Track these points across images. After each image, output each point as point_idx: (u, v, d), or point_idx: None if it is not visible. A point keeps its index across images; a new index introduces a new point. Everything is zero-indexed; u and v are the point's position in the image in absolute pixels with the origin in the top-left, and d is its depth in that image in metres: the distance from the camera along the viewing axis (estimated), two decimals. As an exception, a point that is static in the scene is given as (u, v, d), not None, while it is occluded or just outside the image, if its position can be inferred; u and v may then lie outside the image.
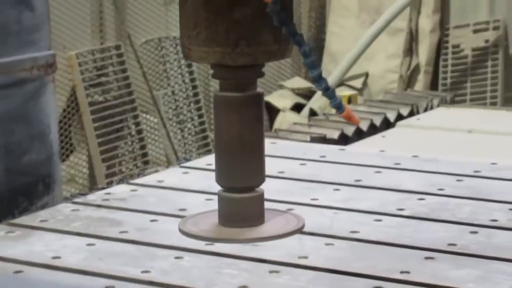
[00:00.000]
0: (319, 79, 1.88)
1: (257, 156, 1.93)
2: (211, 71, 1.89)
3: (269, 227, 2.07)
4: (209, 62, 1.88)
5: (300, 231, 2.27)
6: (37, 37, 3.04)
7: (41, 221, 2.84)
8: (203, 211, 2.54)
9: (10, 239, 2.69)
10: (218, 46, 1.82)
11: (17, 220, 2.87)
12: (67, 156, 8.00)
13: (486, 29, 8.07)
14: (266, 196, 2.74)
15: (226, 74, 1.88)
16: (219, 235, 2.01)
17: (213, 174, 2.61)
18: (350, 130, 4.12)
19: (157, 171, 3.48)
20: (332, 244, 2.56)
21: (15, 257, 2.51)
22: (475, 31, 8.07)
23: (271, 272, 2.30)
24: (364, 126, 4.28)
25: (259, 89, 1.92)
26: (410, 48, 8.23)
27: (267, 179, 3.03)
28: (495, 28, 8.02)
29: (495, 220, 2.75)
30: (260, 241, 2.11)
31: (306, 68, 1.84)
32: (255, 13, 1.76)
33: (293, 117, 8.04)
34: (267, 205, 2.71)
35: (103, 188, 3.30)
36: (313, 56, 1.81)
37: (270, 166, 3.30)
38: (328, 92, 1.88)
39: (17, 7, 2.94)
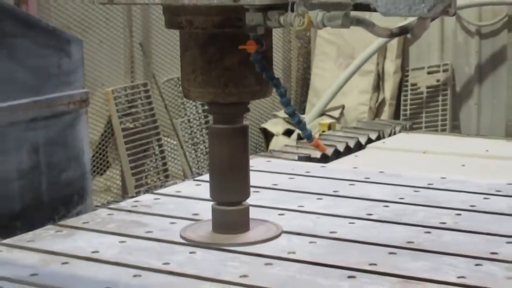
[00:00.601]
0: (293, 115, 1.87)
1: (243, 176, 1.92)
2: (207, 108, 1.90)
3: (252, 234, 2.05)
4: (204, 101, 1.88)
5: (278, 237, 2.26)
6: (73, 78, 3.03)
7: (83, 223, 2.83)
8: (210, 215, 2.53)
9: (58, 237, 2.69)
10: (211, 88, 1.81)
11: (64, 222, 2.86)
12: (104, 171, 7.96)
13: (437, 71, 8.06)
14: (263, 203, 2.90)
15: (218, 110, 1.88)
16: (212, 240, 1.99)
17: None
18: (329, 151, 4.09)
19: (175, 183, 3.45)
20: (315, 242, 2.55)
21: (62, 251, 2.51)
22: (429, 73, 8.07)
23: (266, 264, 2.29)
24: (341, 147, 4.26)
25: (245, 122, 1.91)
26: (378, 86, 8.22)
27: (263, 189, 3.13)
28: (445, 71, 8.03)
29: (444, 223, 2.74)
30: (245, 245, 2.10)
31: (283, 106, 1.82)
32: (241, 61, 1.75)
33: (284, 140, 8.03)
34: (264, 210, 2.83)
35: (132, 197, 3.28)
36: (287, 96, 1.81)
37: (266, 179, 3.38)
38: (301, 125, 1.87)
39: (58, 54, 2.93)
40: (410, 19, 1.78)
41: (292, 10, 1.64)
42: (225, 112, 1.89)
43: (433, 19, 1.65)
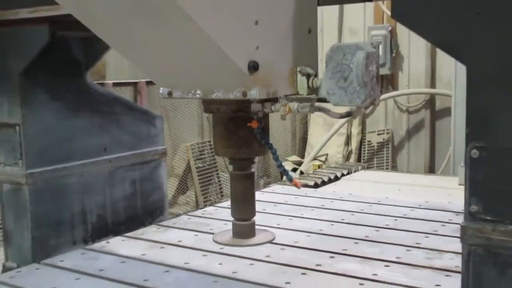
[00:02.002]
0: (280, 166, 1.85)
1: (251, 203, 1.88)
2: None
3: (256, 239, 2.00)
4: (227, 156, 1.86)
5: (272, 241, 2.22)
6: (157, 140, 3.03)
7: (173, 224, 2.90)
8: None
9: (158, 232, 2.75)
10: (231, 149, 1.78)
11: (162, 223, 2.94)
12: (185, 192, 7.93)
13: (383, 133, 7.99)
14: (279, 212, 3.12)
15: (235, 162, 1.84)
16: (230, 242, 1.95)
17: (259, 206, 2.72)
18: (319, 181, 4.07)
19: (227, 200, 3.45)
20: (310, 236, 2.67)
21: (161, 240, 2.61)
22: (378, 134, 8.00)
23: (250, 264, 2.28)
24: (326, 179, 4.23)
25: (252, 170, 1.87)
26: (347, 142, 8.17)
27: (280, 204, 3.31)
28: (387, 133, 7.98)
29: (388, 224, 2.82)
30: (252, 246, 2.07)
31: (275, 161, 1.82)
32: (249, 133, 1.71)
33: (293, 175, 7.96)
34: (280, 216, 3.01)
35: (201, 208, 3.37)
36: (276, 154, 1.78)
37: (280, 198, 3.48)
38: (285, 172, 1.84)
39: (147, 125, 2.92)
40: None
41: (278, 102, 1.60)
42: (239, 164, 1.85)
43: (365, 108, 1.58)
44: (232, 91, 1.59)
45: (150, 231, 2.75)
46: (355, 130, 8.09)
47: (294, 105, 1.58)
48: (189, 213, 3.13)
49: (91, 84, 2.75)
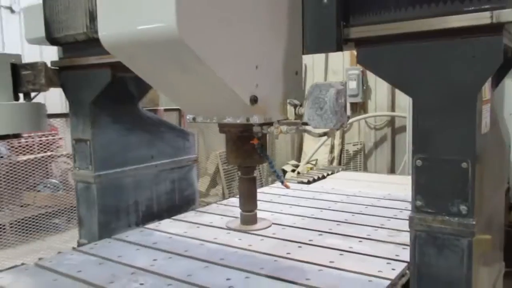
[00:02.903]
0: (275, 172, 1.81)
1: (253, 199, 1.84)
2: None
3: (257, 225, 1.96)
4: (235, 165, 1.82)
5: (270, 226, 2.17)
6: (190, 151, 2.99)
7: (205, 210, 2.84)
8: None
9: (196, 216, 2.70)
10: (239, 159, 1.75)
11: (198, 209, 2.89)
12: (215, 186, 7.89)
13: (357, 144, 7.91)
14: (281, 201, 2.98)
15: (242, 169, 1.81)
16: (239, 228, 1.91)
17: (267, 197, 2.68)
18: (311, 179, 3.97)
19: None
20: (304, 219, 2.56)
21: (197, 222, 2.56)
22: (353, 145, 7.91)
23: (261, 240, 2.20)
24: (315, 177, 4.12)
25: (254, 175, 1.83)
26: (331, 151, 8.06)
27: (282, 196, 3.16)
28: (360, 144, 7.86)
29: (361, 211, 2.72)
30: (254, 230, 2.03)
31: (270, 168, 1.78)
32: (252, 147, 1.68)
33: (291, 174, 7.85)
34: (281, 205, 2.87)
35: (226, 199, 3.25)
36: (272, 163, 1.75)
37: (282, 191, 3.32)
38: (278, 177, 1.81)
39: (183, 140, 2.89)
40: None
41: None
42: (245, 170, 1.81)
43: (337, 129, 1.54)
44: (239, 117, 1.56)
45: (190, 215, 2.72)
46: (337, 142, 8.03)
47: (284, 127, 1.56)
48: (218, 202, 3.08)
49: (142, 110, 2.73)
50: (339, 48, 1.66)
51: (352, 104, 7.78)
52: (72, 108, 2.48)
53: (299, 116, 1.59)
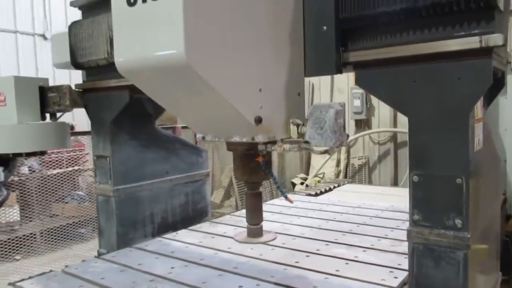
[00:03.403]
0: (278, 187, 1.79)
1: (259, 213, 1.81)
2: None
3: (263, 238, 1.92)
4: (242, 181, 1.79)
5: (275, 238, 2.13)
6: (202, 166, 2.98)
7: (220, 221, 2.82)
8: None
9: (211, 227, 2.68)
10: (245, 175, 1.73)
11: (212, 220, 2.87)
12: (228, 198, 7.85)
13: (362, 158, 7.83)
14: (291, 213, 2.94)
15: (248, 185, 1.78)
16: (245, 240, 1.88)
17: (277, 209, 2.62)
18: (318, 191, 3.92)
19: None
20: (311, 230, 2.56)
21: (212, 232, 2.54)
22: (358, 159, 7.84)
23: (271, 249, 2.17)
24: (323, 190, 4.08)
25: (260, 190, 1.80)
26: (338, 164, 7.99)
27: (293, 208, 3.11)
28: (365, 158, 7.78)
29: (365, 222, 2.68)
30: (260, 243, 1.99)
31: (274, 184, 1.75)
32: (257, 164, 1.66)
33: (300, 186, 7.79)
34: (290, 216, 2.86)
35: (239, 210, 3.24)
36: (276, 179, 1.73)
37: (295, 203, 3.29)
38: (282, 192, 1.79)
39: (196, 156, 2.89)
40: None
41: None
42: (251, 186, 1.79)
43: (337, 148, 1.52)
44: (245, 137, 1.55)
45: (205, 226, 2.71)
46: (343, 156, 7.96)
47: (287, 146, 1.54)
48: (231, 214, 3.07)
49: (158, 128, 2.74)
50: (338, 71, 1.66)
51: (356, 120, 7.73)
52: (94, 127, 2.50)
53: (301, 134, 1.58)
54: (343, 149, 7.80)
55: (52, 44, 2.51)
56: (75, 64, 2.40)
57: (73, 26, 2.40)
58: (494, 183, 2.01)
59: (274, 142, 1.57)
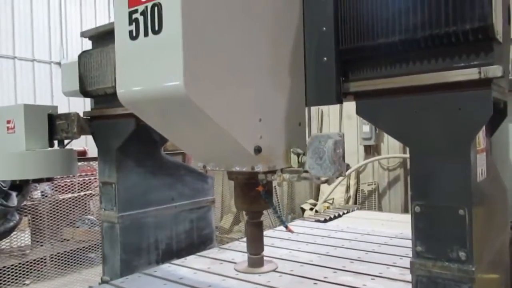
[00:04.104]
0: (279, 217, 1.76)
1: (260, 243, 1.78)
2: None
3: (264, 268, 1.89)
4: (243, 210, 1.77)
5: (276, 268, 2.10)
6: (208, 192, 2.98)
7: (228, 247, 2.79)
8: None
9: (219, 253, 2.67)
10: (245, 204, 1.71)
11: (221, 246, 2.85)
12: (238, 224, 7.76)
13: (371, 184, 7.75)
14: (299, 239, 2.88)
15: (249, 214, 1.76)
16: (245, 270, 1.84)
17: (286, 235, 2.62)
18: (327, 217, 3.88)
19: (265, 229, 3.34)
20: (320, 257, 2.52)
21: (220, 258, 2.52)
22: (368, 185, 7.74)
23: (279, 276, 2.13)
24: (332, 216, 4.03)
25: (261, 219, 1.77)
26: (347, 190, 7.92)
27: (301, 234, 3.09)
28: (375, 184, 7.71)
29: (374, 249, 2.66)
30: (261, 273, 1.95)
31: (274, 214, 1.72)
32: (257, 194, 1.65)
33: (309, 212, 7.71)
34: (298, 242, 2.81)
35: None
36: (276, 209, 1.71)
37: (302, 229, 3.31)
38: (282, 222, 1.77)
39: (201, 182, 2.90)
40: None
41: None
42: (251, 215, 1.77)
43: (336, 177, 1.51)
44: (245, 166, 1.55)
45: (213, 252, 2.69)
46: (352, 182, 7.89)
47: (286, 176, 1.53)
48: (240, 239, 3.03)
49: (164, 155, 2.74)
50: (339, 101, 1.66)
51: (365, 146, 7.68)
52: (100, 154, 2.52)
53: (302, 164, 1.57)
54: (353, 174, 7.73)
55: (62, 73, 2.56)
56: (84, 92, 2.44)
57: (82, 56, 2.45)
58: (501, 214, 1.96)
59: (274, 172, 1.57)
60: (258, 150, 1.46)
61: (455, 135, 1.46)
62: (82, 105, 7.29)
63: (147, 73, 1.34)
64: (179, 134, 1.51)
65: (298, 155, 1.58)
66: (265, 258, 1.99)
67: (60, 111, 2.55)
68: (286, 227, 1.79)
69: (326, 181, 1.62)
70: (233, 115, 1.40)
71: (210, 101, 1.32)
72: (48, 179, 2.42)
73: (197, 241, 2.87)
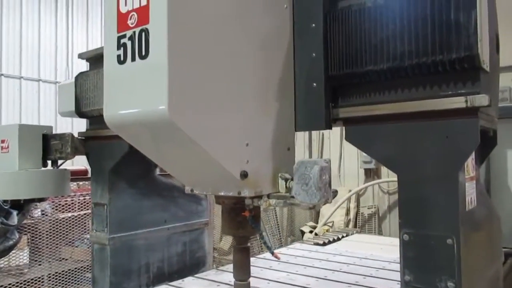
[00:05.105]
0: (265, 243, 1.72)
1: (246, 269, 1.74)
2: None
3: None
4: (230, 235, 1.74)
5: None
6: (202, 214, 2.94)
7: (226, 269, 2.73)
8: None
9: (217, 275, 2.63)
10: (232, 229, 1.68)
11: (219, 268, 2.81)
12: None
13: (371, 207, 7.69)
14: (298, 262, 2.89)
15: (236, 239, 1.73)
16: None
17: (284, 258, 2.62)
18: (326, 241, 3.83)
19: (266, 252, 3.26)
20: (317, 280, 2.55)
21: (218, 280, 2.48)
22: (368, 208, 7.68)
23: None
24: (331, 239, 3.97)
25: (248, 245, 1.74)
26: (347, 213, 7.83)
27: (299, 257, 3.09)
28: (375, 207, 7.64)
29: (371, 274, 2.63)
30: None
31: (260, 239, 1.68)
32: (244, 219, 1.62)
33: (309, 235, 7.61)
34: (297, 265, 2.82)
35: None
36: (263, 234, 1.68)
37: (301, 252, 3.31)
38: (269, 248, 1.73)
39: (195, 204, 2.88)
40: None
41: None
42: (238, 240, 1.74)
43: (323, 205, 1.48)
44: (231, 191, 1.53)
45: (211, 274, 2.67)
46: (352, 205, 7.82)
47: (273, 201, 1.51)
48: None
49: (157, 176, 2.73)
50: (328, 127, 1.66)
51: (366, 170, 7.65)
52: (93, 175, 2.51)
53: (289, 189, 1.55)
54: (353, 197, 7.67)
55: (58, 94, 2.58)
56: (79, 113, 2.45)
57: (79, 77, 2.47)
58: (494, 242, 1.93)
59: (261, 197, 1.55)
60: (244, 175, 1.45)
61: (443, 163, 1.45)
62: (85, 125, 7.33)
63: (133, 97, 1.34)
64: (166, 157, 1.50)
65: (286, 180, 1.56)
66: (251, 284, 1.97)
67: (65, 130, 2.56)
68: (273, 253, 1.76)
69: (314, 207, 1.59)
70: (219, 140, 1.39)
71: (195, 126, 1.31)
72: (40, 200, 2.41)
73: (190, 264, 2.82)
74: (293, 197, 1.50)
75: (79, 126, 2.63)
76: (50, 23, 10.31)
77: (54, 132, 2.56)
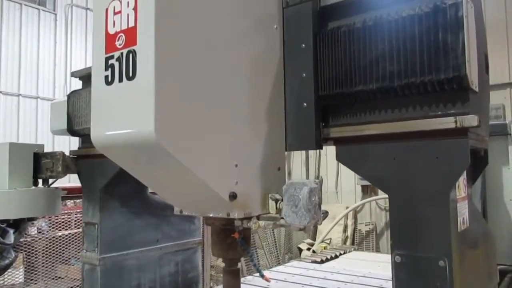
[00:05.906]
0: (255, 265, 1.70)
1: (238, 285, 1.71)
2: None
3: None
4: (219, 257, 1.70)
5: None
6: (195, 233, 2.88)
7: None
8: None
9: None
10: (222, 251, 1.65)
11: (216, 287, 2.73)
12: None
13: (369, 224, 7.63)
14: (296, 280, 2.87)
15: (225, 261, 1.70)
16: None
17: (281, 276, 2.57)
18: (324, 258, 3.79)
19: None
20: None
21: None
22: (365, 225, 7.62)
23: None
24: (328, 257, 3.93)
25: (237, 267, 1.70)
26: (345, 230, 7.77)
27: (296, 275, 3.05)
28: (372, 224, 7.58)
29: None
30: None
31: (251, 261, 1.65)
32: (233, 241, 1.60)
33: (306, 252, 7.53)
34: (295, 284, 2.80)
35: (244, 277, 3.08)
36: (252, 257, 1.65)
37: (298, 270, 3.26)
38: (258, 270, 1.69)
39: (189, 223, 2.82)
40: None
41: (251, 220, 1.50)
42: (228, 262, 1.71)
43: (312, 226, 1.46)
44: (220, 212, 1.51)
45: None
46: (350, 222, 7.77)
47: (262, 222, 1.49)
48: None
49: (149, 195, 2.70)
50: (319, 147, 1.64)
51: (363, 186, 7.61)
52: (85, 194, 2.47)
53: (280, 210, 1.53)
54: (350, 214, 7.62)
55: (51, 112, 2.57)
56: (71, 131, 2.43)
57: (72, 95, 2.46)
58: (488, 262, 1.89)
59: (251, 218, 1.52)
60: (233, 196, 1.42)
61: (434, 184, 1.43)
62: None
63: (120, 118, 1.32)
64: (153, 179, 1.48)
65: (276, 201, 1.54)
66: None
67: (62, 148, 2.53)
68: (262, 276, 1.73)
69: (304, 228, 1.57)
70: (207, 161, 1.37)
71: (182, 148, 1.29)
72: (29, 219, 2.37)
73: (182, 285, 2.76)
74: (283, 218, 1.48)
75: (76, 143, 2.61)
76: (49, 41, 10.36)
77: (52, 149, 2.53)
